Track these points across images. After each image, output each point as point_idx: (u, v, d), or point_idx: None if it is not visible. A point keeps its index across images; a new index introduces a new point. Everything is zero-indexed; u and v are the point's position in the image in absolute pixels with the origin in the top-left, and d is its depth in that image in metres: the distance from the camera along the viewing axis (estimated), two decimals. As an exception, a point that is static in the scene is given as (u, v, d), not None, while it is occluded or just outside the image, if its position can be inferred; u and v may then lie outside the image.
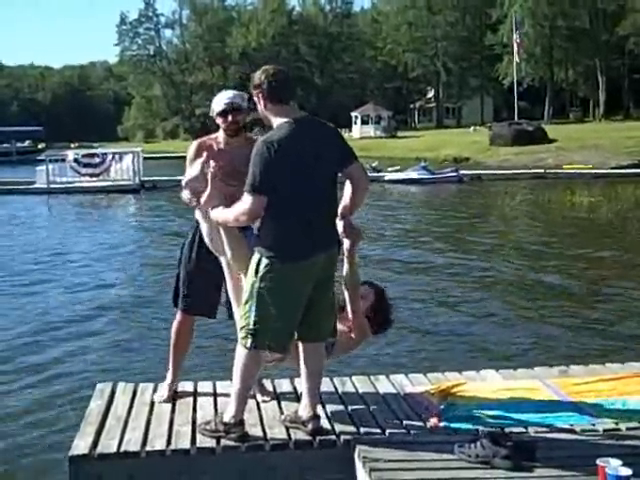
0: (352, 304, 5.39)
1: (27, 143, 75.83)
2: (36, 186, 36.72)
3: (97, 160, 37.04)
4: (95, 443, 5.39)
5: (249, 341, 4.92)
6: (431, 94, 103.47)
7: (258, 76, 4.91)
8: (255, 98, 4.99)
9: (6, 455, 7.16)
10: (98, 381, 6.83)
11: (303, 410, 5.22)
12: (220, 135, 5.67)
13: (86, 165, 36.68)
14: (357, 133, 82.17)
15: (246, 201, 4.69)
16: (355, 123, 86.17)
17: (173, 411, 5.78)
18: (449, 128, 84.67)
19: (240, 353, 5.02)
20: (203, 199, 5.14)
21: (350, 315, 5.41)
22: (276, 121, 4.87)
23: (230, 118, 5.51)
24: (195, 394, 6.12)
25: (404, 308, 11.25)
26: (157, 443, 5.19)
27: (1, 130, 74.62)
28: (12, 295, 14.24)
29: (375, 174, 36.15)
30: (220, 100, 5.61)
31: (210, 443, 5.13)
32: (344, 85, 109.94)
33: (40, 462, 7.00)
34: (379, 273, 13.45)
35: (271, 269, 4.77)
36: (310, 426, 5.11)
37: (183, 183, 5.39)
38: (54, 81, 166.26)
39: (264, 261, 4.80)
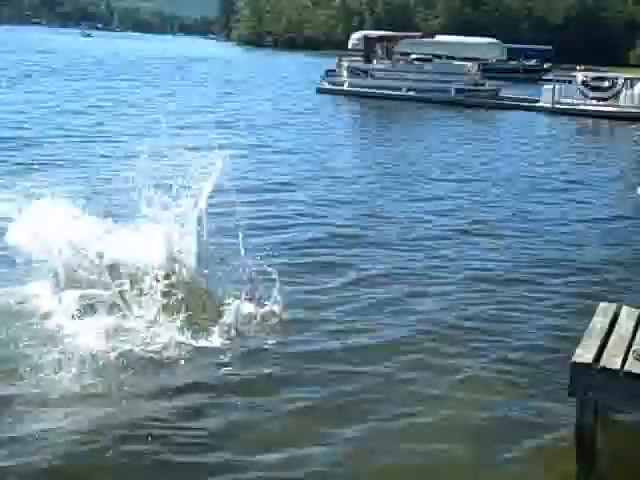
0: None
1: (533, 62, 76.62)
2: (540, 104, 37.25)
3: (606, 84, 36.07)
4: (597, 357, 5.55)
5: None
6: None
7: None
8: None
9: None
10: (600, 301, 6.97)
11: None
12: None
13: (594, 89, 35.95)
14: None
15: None
16: None
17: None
18: None
19: None
20: None
21: None
22: None
23: None
24: None
25: None
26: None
27: (512, 47, 76.33)
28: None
29: None
30: None
31: None
32: None
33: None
34: None
35: None
36: None
37: None
38: (568, 2, 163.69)
39: None
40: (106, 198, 8.84)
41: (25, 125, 21.56)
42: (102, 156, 15.76)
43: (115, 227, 8.46)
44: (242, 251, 8.47)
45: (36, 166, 14.23)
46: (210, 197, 8.35)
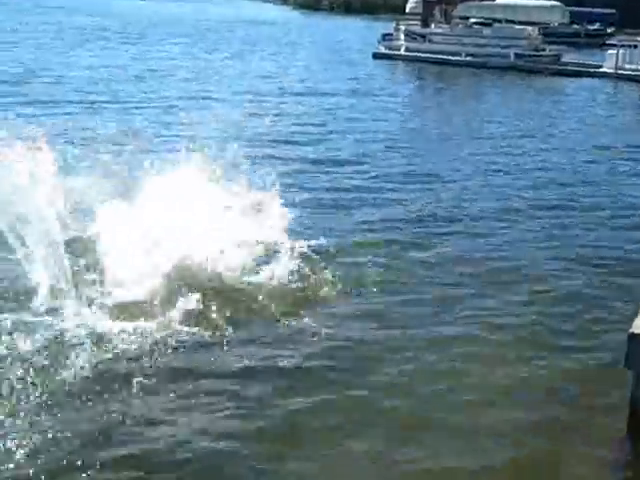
0: None
1: (596, 26, 74.42)
2: (603, 70, 36.37)
3: (671, 49, 35.04)
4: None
5: None
6: None
7: None
8: None
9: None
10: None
11: None
12: None
13: (660, 55, 34.94)
14: None
15: None
16: None
17: None
18: None
19: None
20: None
21: None
22: None
23: None
24: None
25: None
26: None
27: (574, 11, 74.16)
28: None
29: None
30: None
31: None
32: None
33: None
34: None
35: None
36: None
37: None
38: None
39: None
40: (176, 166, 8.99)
41: (87, 89, 21.97)
42: (166, 123, 15.99)
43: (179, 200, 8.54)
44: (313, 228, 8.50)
45: (100, 131, 14.57)
46: (278, 168, 8.42)
